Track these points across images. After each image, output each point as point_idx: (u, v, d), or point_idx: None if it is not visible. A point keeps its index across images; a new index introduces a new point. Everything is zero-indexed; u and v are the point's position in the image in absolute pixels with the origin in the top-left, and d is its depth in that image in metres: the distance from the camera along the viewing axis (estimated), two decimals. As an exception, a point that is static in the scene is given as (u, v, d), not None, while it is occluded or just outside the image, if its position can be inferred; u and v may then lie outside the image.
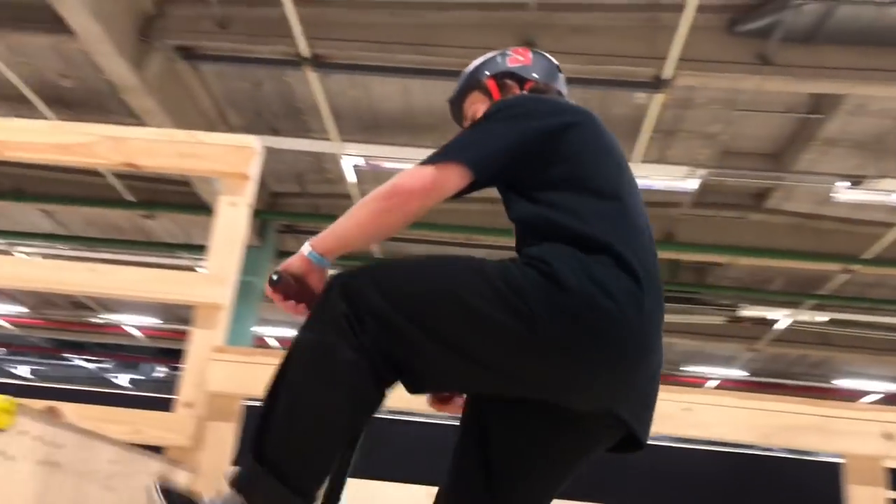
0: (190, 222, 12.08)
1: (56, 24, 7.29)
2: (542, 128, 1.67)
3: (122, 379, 21.68)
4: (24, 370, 21.61)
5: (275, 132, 9.61)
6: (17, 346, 20.21)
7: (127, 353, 20.04)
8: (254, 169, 2.65)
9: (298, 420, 1.44)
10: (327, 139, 9.33)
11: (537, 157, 1.65)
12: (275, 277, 1.62)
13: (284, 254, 12.23)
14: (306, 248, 1.65)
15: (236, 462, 1.93)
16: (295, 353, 1.50)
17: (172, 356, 19.33)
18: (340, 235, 1.64)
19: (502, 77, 2.04)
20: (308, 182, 11.13)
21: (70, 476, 1.67)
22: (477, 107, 2.03)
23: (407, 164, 9.51)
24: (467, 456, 1.64)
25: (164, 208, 11.37)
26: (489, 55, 2.11)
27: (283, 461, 1.42)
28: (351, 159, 9.65)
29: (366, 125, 9.52)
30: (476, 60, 2.12)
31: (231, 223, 2.58)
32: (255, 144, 2.65)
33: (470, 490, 1.62)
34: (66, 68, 8.77)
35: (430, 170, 1.61)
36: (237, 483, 1.44)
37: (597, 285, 1.46)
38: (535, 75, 2.05)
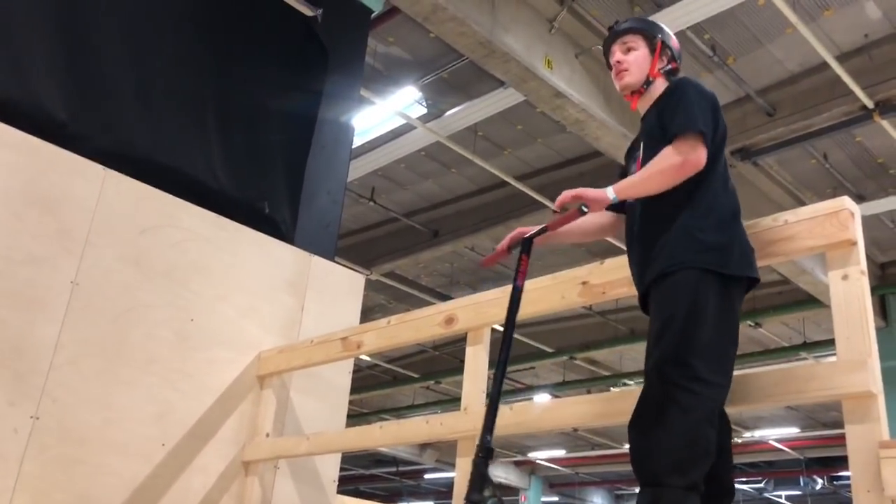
0: (799, 320, 11.46)
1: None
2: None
3: (782, 495, 20.87)
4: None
5: (861, 199, 8.71)
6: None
7: (777, 469, 19.31)
8: (856, 231, 2.30)
9: None
10: (927, 185, 8.08)
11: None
12: (585, 209, 2.27)
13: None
14: (611, 194, 2.27)
15: None
16: None
17: (825, 465, 17.98)
18: (640, 191, 2.30)
19: (666, 47, 2.54)
20: (914, 240, 9.71)
21: None
22: (640, 49, 2.52)
23: None
24: None
25: (770, 313, 11.02)
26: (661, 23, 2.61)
27: None
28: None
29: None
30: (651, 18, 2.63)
31: (849, 297, 2.25)
32: (848, 205, 2.32)
33: None
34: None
35: (702, 150, 2.22)
36: None
37: None
38: (679, 62, 2.59)
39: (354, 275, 4.73)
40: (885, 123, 7.08)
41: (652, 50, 2.51)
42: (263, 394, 4.08)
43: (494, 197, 9.92)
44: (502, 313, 3.13)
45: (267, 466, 4.01)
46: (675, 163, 2.21)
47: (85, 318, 3.62)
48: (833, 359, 2.26)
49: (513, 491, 21.84)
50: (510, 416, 2.89)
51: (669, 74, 2.56)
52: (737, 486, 20.71)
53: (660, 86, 2.51)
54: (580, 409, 2.74)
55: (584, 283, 2.88)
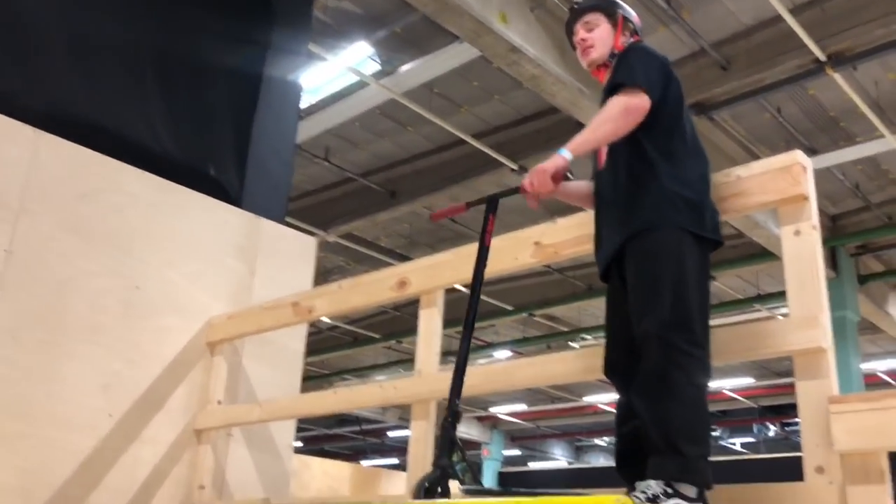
0: (753, 273, 11.64)
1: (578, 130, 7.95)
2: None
3: (736, 443, 21.48)
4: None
5: (813, 152, 8.79)
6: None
7: (732, 419, 19.82)
8: (808, 186, 2.27)
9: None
10: (878, 137, 8.17)
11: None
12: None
13: (867, 278, 10.89)
14: (568, 154, 2.26)
15: None
16: None
17: (778, 412, 18.50)
18: (591, 142, 2.30)
19: (627, 22, 2.59)
20: (870, 192, 9.86)
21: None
22: (603, 25, 2.57)
23: None
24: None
25: (725, 266, 11.13)
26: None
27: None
28: (914, 149, 8.25)
29: (920, 105, 8.11)
30: None
31: (801, 253, 2.23)
32: (800, 159, 2.29)
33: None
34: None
35: (644, 96, 2.26)
36: None
37: None
38: (641, 35, 2.62)
39: (306, 238, 4.62)
40: (837, 76, 7.10)
41: (614, 25, 2.57)
42: (214, 361, 3.99)
43: (452, 156, 9.80)
44: (455, 275, 3.08)
45: (219, 434, 3.94)
46: (618, 108, 2.26)
47: (23, 288, 3.48)
48: (786, 310, 2.24)
49: (475, 445, 22.13)
50: (500, 374, 2.85)
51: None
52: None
53: None
54: (557, 368, 2.69)
55: (536, 243, 2.83)
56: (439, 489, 2.11)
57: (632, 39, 2.58)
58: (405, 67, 7.94)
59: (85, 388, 3.58)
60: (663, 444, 2.04)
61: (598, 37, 2.56)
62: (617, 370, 2.35)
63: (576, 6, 2.65)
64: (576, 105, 7.13)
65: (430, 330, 3.08)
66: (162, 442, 3.79)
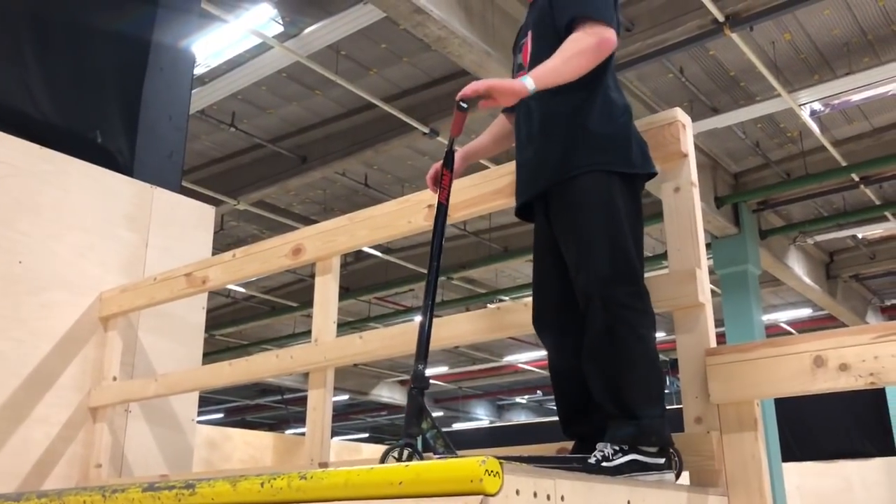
0: (659, 230, 11.96)
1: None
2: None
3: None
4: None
5: (715, 111, 9.03)
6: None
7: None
8: (686, 143, 2.31)
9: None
10: (775, 96, 8.44)
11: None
12: (464, 105, 2.12)
13: (768, 232, 11.31)
14: (531, 84, 2.03)
15: None
16: None
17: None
18: (560, 76, 2.08)
19: None
20: (769, 150, 10.21)
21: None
22: None
23: (878, 88, 8.06)
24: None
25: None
26: None
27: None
28: (807, 108, 8.56)
29: (813, 65, 8.40)
30: None
31: (680, 209, 2.27)
32: (679, 116, 2.32)
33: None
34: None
35: (612, 31, 2.13)
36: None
37: None
38: None
39: (204, 206, 4.48)
40: (735, 37, 7.26)
41: None
42: (108, 336, 3.85)
43: (363, 119, 9.66)
44: (352, 241, 3.04)
45: (117, 411, 3.82)
46: (591, 43, 2.08)
47: None
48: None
49: (399, 409, 22.27)
50: (398, 337, 2.81)
51: None
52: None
53: None
54: (469, 326, 2.65)
55: (429, 206, 2.81)
56: (415, 459, 1.97)
57: None
58: (310, 29, 7.73)
59: (-34, 370, 3.41)
60: (618, 409, 1.99)
61: None
62: (545, 321, 2.25)
63: None
64: (483, 67, 7.09)
65: (326, 297, 3.03)
66: (54, 422, 3.65)
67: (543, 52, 2.16)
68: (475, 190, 2.70)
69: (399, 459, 1.96)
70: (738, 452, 2.03)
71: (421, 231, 2.82)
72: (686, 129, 2.33)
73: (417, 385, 2.04)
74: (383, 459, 2.00)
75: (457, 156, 2.42)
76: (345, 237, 3.04)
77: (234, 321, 16.19)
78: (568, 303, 2.14)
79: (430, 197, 2.80)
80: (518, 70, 2.37)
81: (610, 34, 2.12)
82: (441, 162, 2.30)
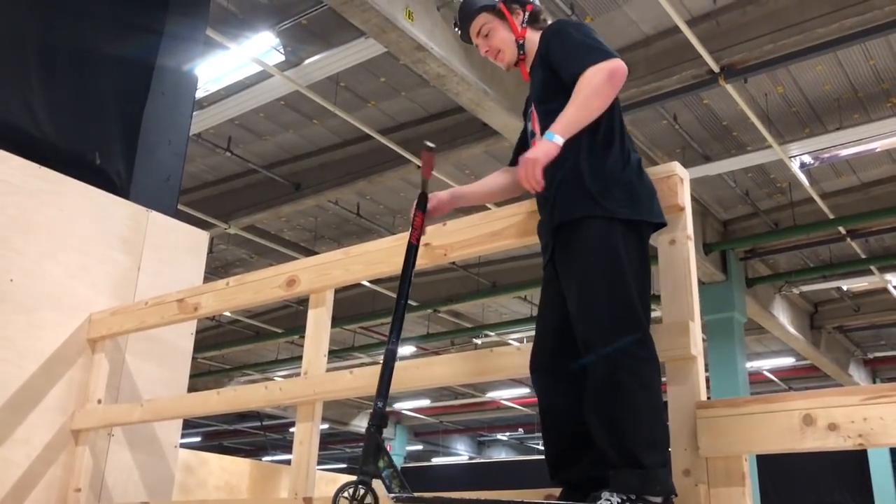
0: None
1: (484, 131, 8.10)
2: None
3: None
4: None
5: (707, 159, 9.14)
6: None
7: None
8: (683, 197, 2.35)
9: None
10: (766, 147, 8.56)
11: None
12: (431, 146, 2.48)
13: (754, 281, 11.39)
14: (559, 140, 2.07)
15: None
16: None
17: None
18: (582, 118, 2.11)
19: (510, 4, 2.44)
20: (758, 199, 10.32)
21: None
22: (493, 26, 2.44)
23: (867, 144, 8.20)
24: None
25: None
26: None
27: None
28: (797, 160, 8.69)
29: (804, 119, 8.55)
30: None
31: (675, 262, 2.30)
32: (678, 170, 2.36)
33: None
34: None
35: (616, 61, 2.13)
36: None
37: None
38: (532, 2, 2.48)
39: (197, 231, 4.49)
40: (729, 87, 7.39)
41: (502, 17, 2.45)
42: (95, 358, 3.82)
43: (358, 150, 9.72)
44: (346, 275, 3.05)
45: (99, 435, 3.78)
46: (602, 77, 2.11)
47: None
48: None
49: (379, 442, 22.07)
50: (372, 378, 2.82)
51: (533, 20, 2.48)
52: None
53: (533, 37, 2.45)
54: (450, 370, 2.67)
55: (426, 244, 2.83)
56: (368, 500, 1.97)
57: (526, 13, 2.46)
58: (310, 60, 7.81)
59: (-51, 387, 3.37)
60: (621, 458, 1.97)
61: (500, 39, 2.44)
62: (541, 367, 2.24)
63: (455, 26, 2.54)
64: (480, 105, 7.18)
65: (319, 330, 3.04)
66: (35, 443, 3.61)
67: (551, 120, 2.16)
68: (473, 231, 2.72)
69: (353, 498, 1.96)
70: (726, 507, 2.03)
71: (419, 268, 2.84)
72: (684, 183, 2.37)
73: (375, 423, 2.03)
74: (335, 500, 1.99)
75: (446, 196, 2.53)
76: (339, 271, 3.06)
77: (217, 344, 16.07)
78: (567, 348, 2.14)
79: (427, 236, 2.82)
80: (531, 137, 2.43)
81: (617, 63, 2.14)
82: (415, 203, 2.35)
